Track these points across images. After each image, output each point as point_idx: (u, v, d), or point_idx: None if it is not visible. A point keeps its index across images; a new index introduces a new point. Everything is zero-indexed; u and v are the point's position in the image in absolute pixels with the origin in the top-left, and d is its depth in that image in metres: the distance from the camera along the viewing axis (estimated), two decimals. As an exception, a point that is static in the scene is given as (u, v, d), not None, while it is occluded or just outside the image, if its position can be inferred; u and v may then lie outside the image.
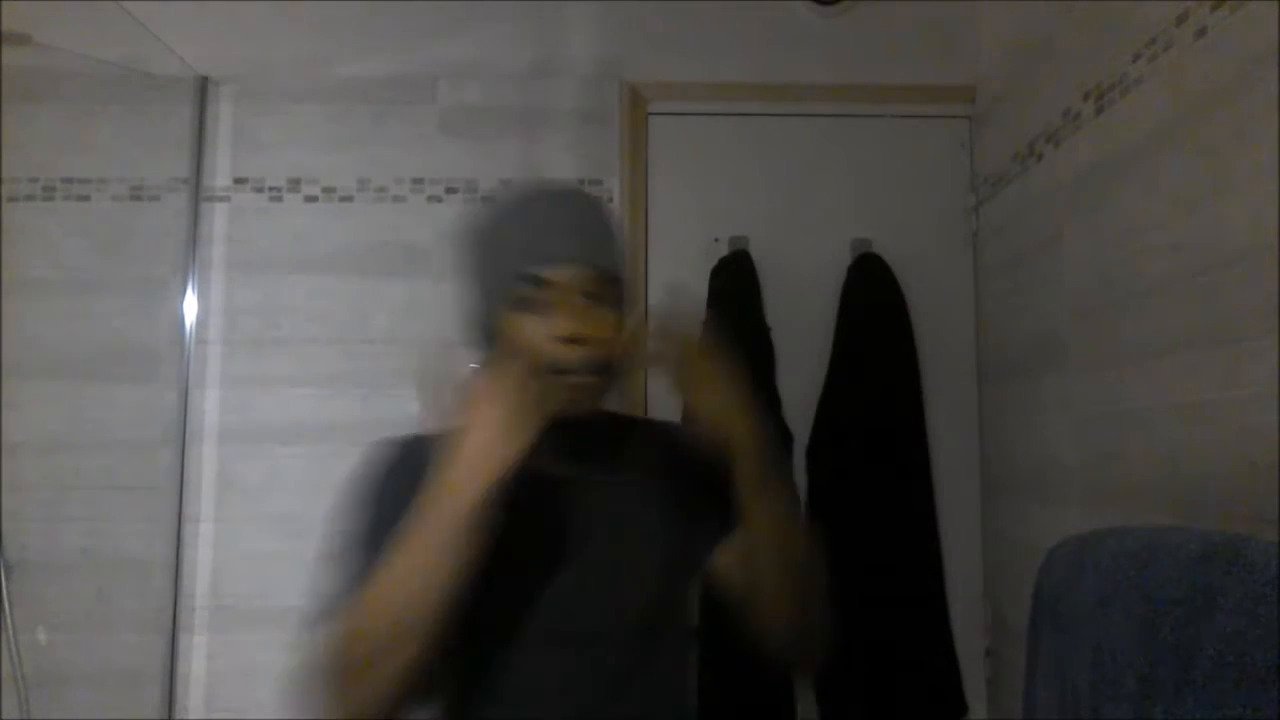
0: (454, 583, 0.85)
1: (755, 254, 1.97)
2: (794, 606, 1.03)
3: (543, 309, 0.95)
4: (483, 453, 0.85)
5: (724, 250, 1.99)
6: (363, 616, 0.86)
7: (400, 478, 0.98)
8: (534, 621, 0.99)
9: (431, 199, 2.02)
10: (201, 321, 1.99)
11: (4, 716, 1.76)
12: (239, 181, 2.03)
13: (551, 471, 1.02)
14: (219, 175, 2.03)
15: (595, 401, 0.98)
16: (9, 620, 1.79)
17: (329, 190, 2.02)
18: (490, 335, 1.01)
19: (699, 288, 1.97)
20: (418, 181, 2.02)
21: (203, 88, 2.02)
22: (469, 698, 1.00)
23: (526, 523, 0.97)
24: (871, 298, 1.96)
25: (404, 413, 1.95)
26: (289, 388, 1.97)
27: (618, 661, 1.01)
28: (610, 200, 2.01)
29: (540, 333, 0.95)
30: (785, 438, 1.93)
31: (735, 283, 1.96)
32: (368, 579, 0.88)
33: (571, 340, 0.94)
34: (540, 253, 0.96)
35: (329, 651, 0.88)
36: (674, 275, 2.01)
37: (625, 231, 1.02)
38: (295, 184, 2.02)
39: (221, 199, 2.03)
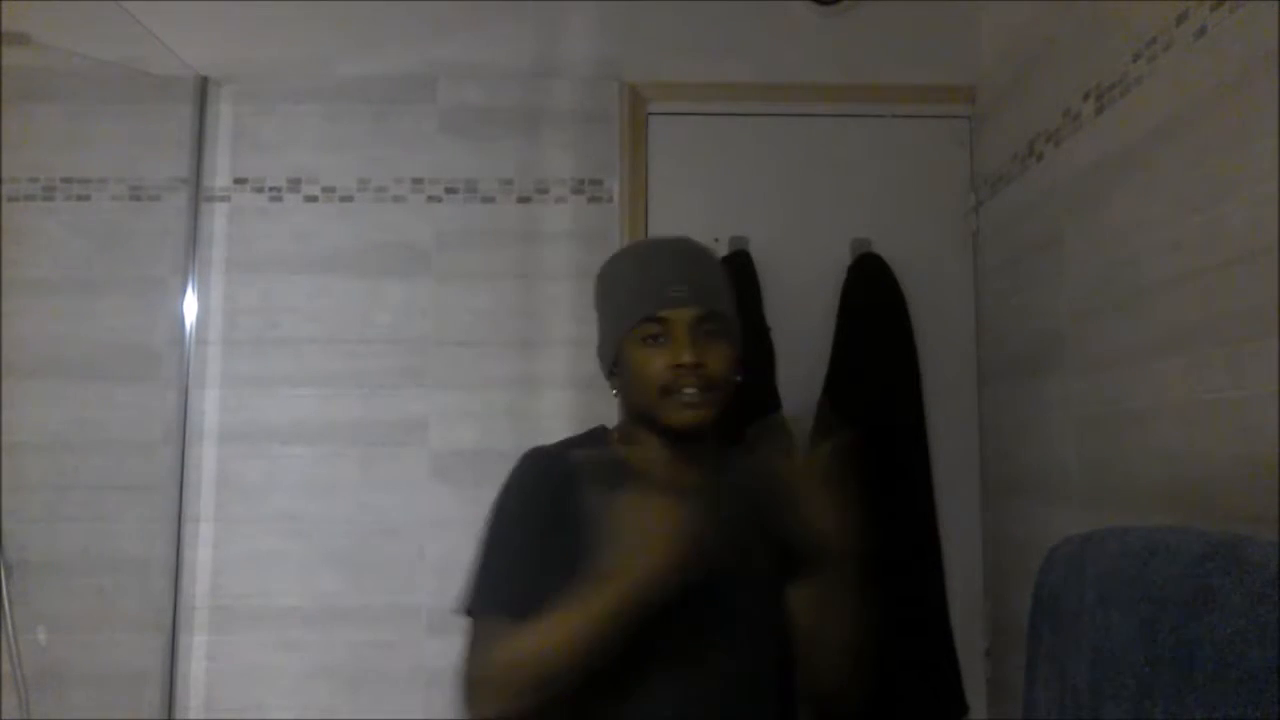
0: (608, 652, 1.00)
1: (755, 254, 1.97)
2: (830, 673, 1.21)
3: (662, 343, 1.12)
4: (663, 565, 1.00)
5: (724, 250, 1.99)
6: (522, 653, 1.01)
7: (552, 489, 1.14)
8: (660, 638, 1.08)
9: (431, 199, 2.02)
10: (201, 321, 1.99)
11: (4, 716, 1.76)
12: (239, 181, 2.03)
13: (679, 481, 1.16)
14: (219, 175, 2.03)
15: (709, 420, 1.12)
16: (9, 620, 1.79)
17: (329, 190, 2.02)
18: (618, 364, 1.17)
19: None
20: (418, 181, 2.02)
21: (203, 88, 2.03)
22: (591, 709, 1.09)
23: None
24: (871, 298, 1.96)
25: (404, 412, 1.96)
26: (289, 388, 1.97)
27: (737, 671, 1.13)
28: (610, 200, 2.02)
29: (660, 362, 1.11)
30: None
31: (735, 283, 1.95)
32: (528, 608, 1.02)
33: (685, 367, 1.09)
34: (659, 296, 1.13)
35: (484, 666, 1.03)
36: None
37: (725, 273, 1.23)
38: (295, 184, 2.02)
39: (221, 199, 2.03)
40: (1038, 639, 1.18)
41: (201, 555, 1.94)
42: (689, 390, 1.11)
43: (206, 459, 1.96)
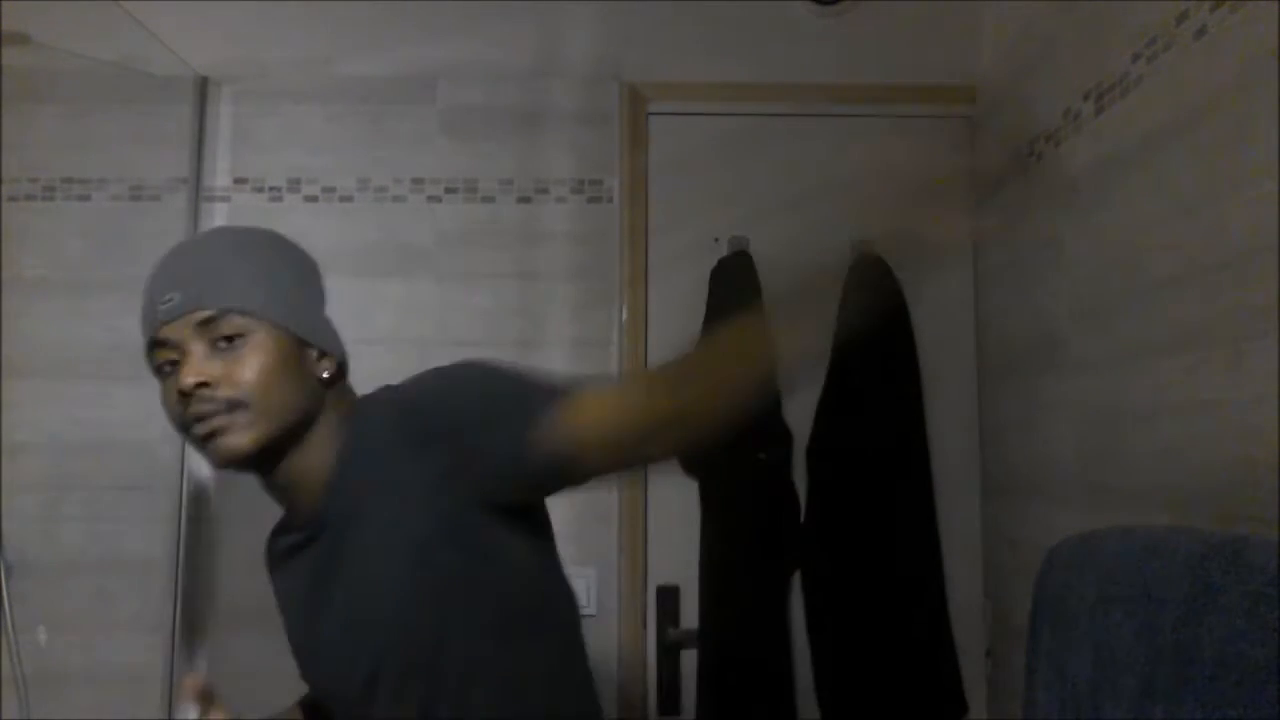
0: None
1: (755, 254, 1.97)
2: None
3: (170, 370, 0.95)
4: None
5: (724, 250, 1.99)
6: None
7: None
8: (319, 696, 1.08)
9: (431, 199, 2.02)
10: (201, 321, 1.99)
11: (4, 716, 1.76)
12: (239, 181, 2.03)
13: (276, 542, 1.08)
14: (219, 175, 2.03)
15: (249, 439, 0.93)
16: (9, 620, 1.79)
17: (329, 190, 2.02)
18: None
19: (699, 288, 1.97)
20: (418, 181, 2.02)
21: (203, 88, 2.02)
22: None
23: (279, 593, 1.09)
24: (871, 298, 1.96)
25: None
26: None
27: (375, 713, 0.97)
28: (610, 200, 2.02)
29: (170, 392, 0.94)
30: (785, 438, 1.93)
31: (735, 283, 1.96)
32: None
33: (193, 389, 0.92)
34: (149, 317, 0.95)
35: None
36: (674, 275, 2.01)
37: (258, 255, 1.02)
38: (295, 184, 2.02)
39: (221, 199, 2.03)
40: (1038, 639, 1.18)
41: (201, 555, 1.94)
42: (204, 416, 0.92)
43: (206, 459, 1.96)
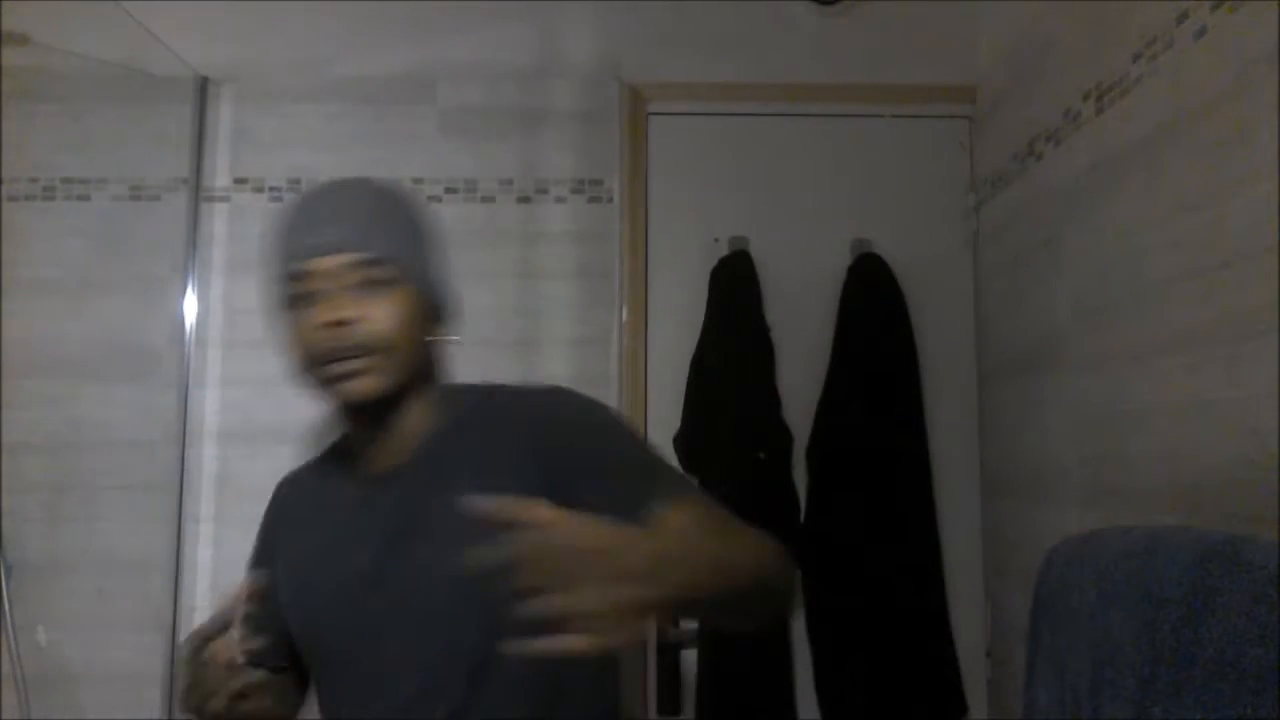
0: None
1: (755, 254, 1.97)
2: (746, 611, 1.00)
3: (308, 301, 0.94)
4: None
5: (724, 250, 1.99)
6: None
7: (271, 513, 1.12)
8: (325, 643, 1.01)
9: (431, 199, 2.02)
10: (201, 321, 1.99)
11: (4, 716, 1.76)
12: (239, 181, 2.03)
13: (348, 470, 1.05)
14: (219, 175, 2.03)
15: (380, 384, 0.95)
16: (9, 620, 1.79)
17: (329, 190, 2.02)
18: (282, 341, 1.00)
19: (699, 288, 1.97)
20: (418, 181, 2.02)
21: (203, 88, 2.02)
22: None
23: (318, 532, 1.03)
24: (871, 298, 1.96)
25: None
26: (289, 388, 1.96)
27: (412, 674, 0.95)
28: (610, 200, 2.02)
29: (309, 324, 0.94)
30: (785, 438, 1.93)
31: (735, 283, 1.96)
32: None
33: (334, 325, 0.92)
34: (299, 247, 0.96)
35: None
36: (674, 275, 2.01)
37: (410, 213, 1.04)
38: (295, 184, 2.02)
39: (221, 199, 2.03)
40: (1038, 639, 1.18)
41: (201, 555, 1.94)
42: (341, 355, 0.92)
43: (206, 459, 1.96)
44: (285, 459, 1.91)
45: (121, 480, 1.96)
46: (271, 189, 2.03)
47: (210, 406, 1.97)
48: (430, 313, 1.02)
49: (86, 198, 2.01)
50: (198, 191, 2.01)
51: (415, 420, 1.01)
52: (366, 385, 0.94)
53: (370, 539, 0.99)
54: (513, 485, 0.88)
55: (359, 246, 0.95)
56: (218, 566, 1.94)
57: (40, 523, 1.92)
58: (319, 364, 0.94)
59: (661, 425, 1.94)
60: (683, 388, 1.95)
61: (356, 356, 0.93)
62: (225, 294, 2.00)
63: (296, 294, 0.95)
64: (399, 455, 1.01)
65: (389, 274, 0.95)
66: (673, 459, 1.90)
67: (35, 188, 2.00)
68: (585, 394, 1.06)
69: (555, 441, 0.98)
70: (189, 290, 1.99)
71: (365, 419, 1.00)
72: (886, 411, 1.92)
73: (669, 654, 1.91)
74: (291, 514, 1.11)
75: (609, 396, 1.96)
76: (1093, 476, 1.48)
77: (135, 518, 1.95)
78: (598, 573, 0.72)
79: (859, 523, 1.88)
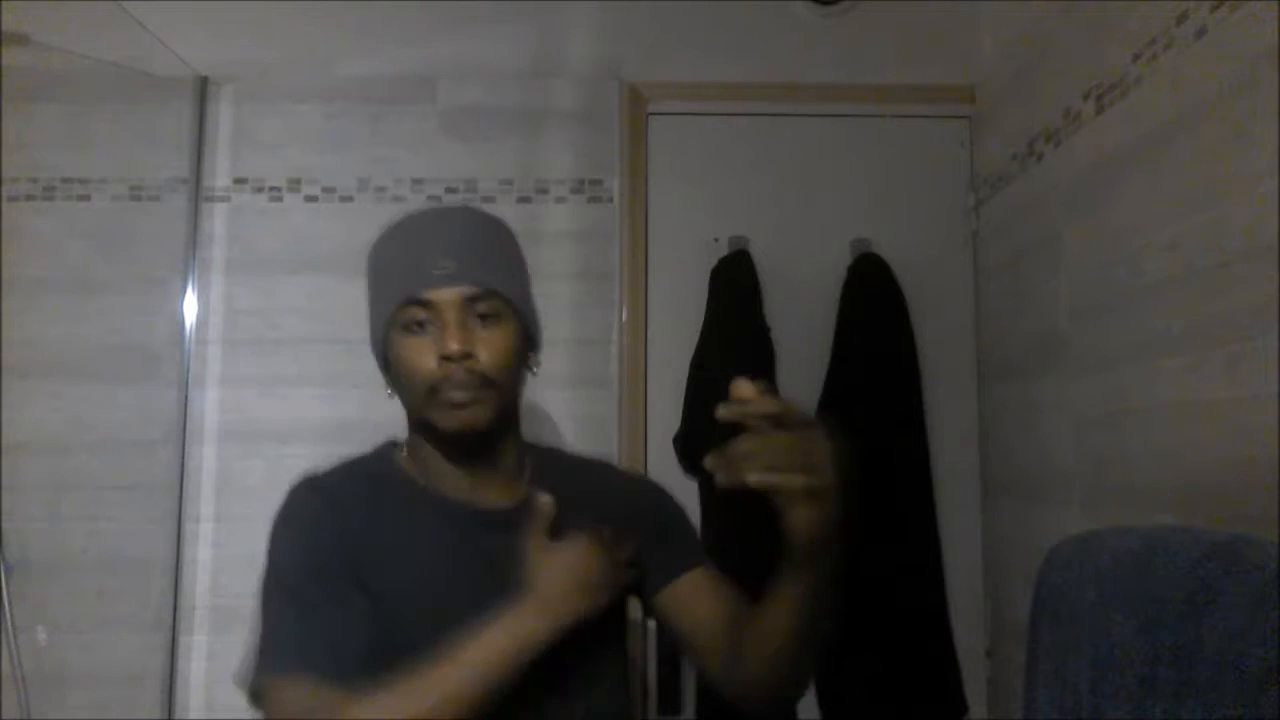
0: (494, 700, 0.90)
1: (755, 254, 1.97)
2: (787, 667, 1.05)
3: (428, 330, 0.97)
4: (559, 602, 0.94)
5: (724, 250, 1.99)
6: (411, 703, 0.88)
7: (335, 522, 1.01)
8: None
9: (431, 199, 2.02)
10: (201, 321, 1.99)
11: (4, 716, 1.76)
12: (239, 181, 2.03)
13: (475, 501, 1.06)
14: (219, 175, 2.03)
15: (483, 423, 0.99)
16: (9, 620, 1.79)
17: (329, 190, 2.02)
18: (388, 359, 1.02)
19: (699, 288, 1.97)
20: (418, 181, 2.02)
21: (203, 88, 2.02)
22: None
23: (415, 562, 1.01)
24: (871, 298, 1.96)
25: (403, 413, 1.95)
26: (289, 388, 1.97)
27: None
28: (610, 200, 2.02)
29: (425, 353, 0.97)
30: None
31: (735, 283, 1.96)
32: (344, 666, 0.90)
33: (452, 358, 0.95)
34: (420, 275, 0.98)
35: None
36: (674, 275, 2.01)
37: (514, 246, 1.09)
38: (295, 184, 2.02)
39: (221, 199, 2.03)
40: (1038, 639, 1.18)
41: (201, 555, 1.94)
42: (457, 387, 0.96)
43: (206, 459, 1.96)
44: (285, 459, 1.92)
45: (121, 480, 1.96)
46: (271, 189, 2.03)
47: (210, 406, 1.97)
48: (528, 344, 1.06)
49: (86, 198, 2.01)
50: (198, 191, 2.01)
51: (511, 457, 1.08)
52: (477, 416, 0.98)
53: (480, 577, 0.99)
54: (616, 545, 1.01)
55: (480, 280, 0.98)
56: (218, 566, 1.94)
57: (40, 523, 1.91)
58: (433, 392, 0.97)
59: (661, 425, 1.94)
60: (683, 388, 1.95)
61: (473, 388, 0.97)
62: (225, 294, 2.00)
63: (414, 320, 0.98)
64: (505, 497, 1.06)
65: (501, 308, 1.00)
66: (672, 459, 1.91)
67: (35, 188, 2.00)
68: (665, 488, 1.20)
69: (640, 522, 1.09)
70: (189, 290, 1.99)
71: (468, 449, 1.03)
72: (886, 411, 1.91)
73: (669, 654, 1.91)
74: (378, 526, 1.04)
75: (609, 397, 1.96)
76: (1093, 476, 1.48)
77: (135, 518, 1.95)
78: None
79: (859, 523, 1.87)
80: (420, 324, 0.98)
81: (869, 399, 1.90)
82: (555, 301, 2.00)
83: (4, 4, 1.77)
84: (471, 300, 0.98)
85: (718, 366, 1.93)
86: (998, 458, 1.91)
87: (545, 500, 0.99)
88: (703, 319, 1.96)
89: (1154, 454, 1.29)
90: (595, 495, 1.09)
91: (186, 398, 1.96)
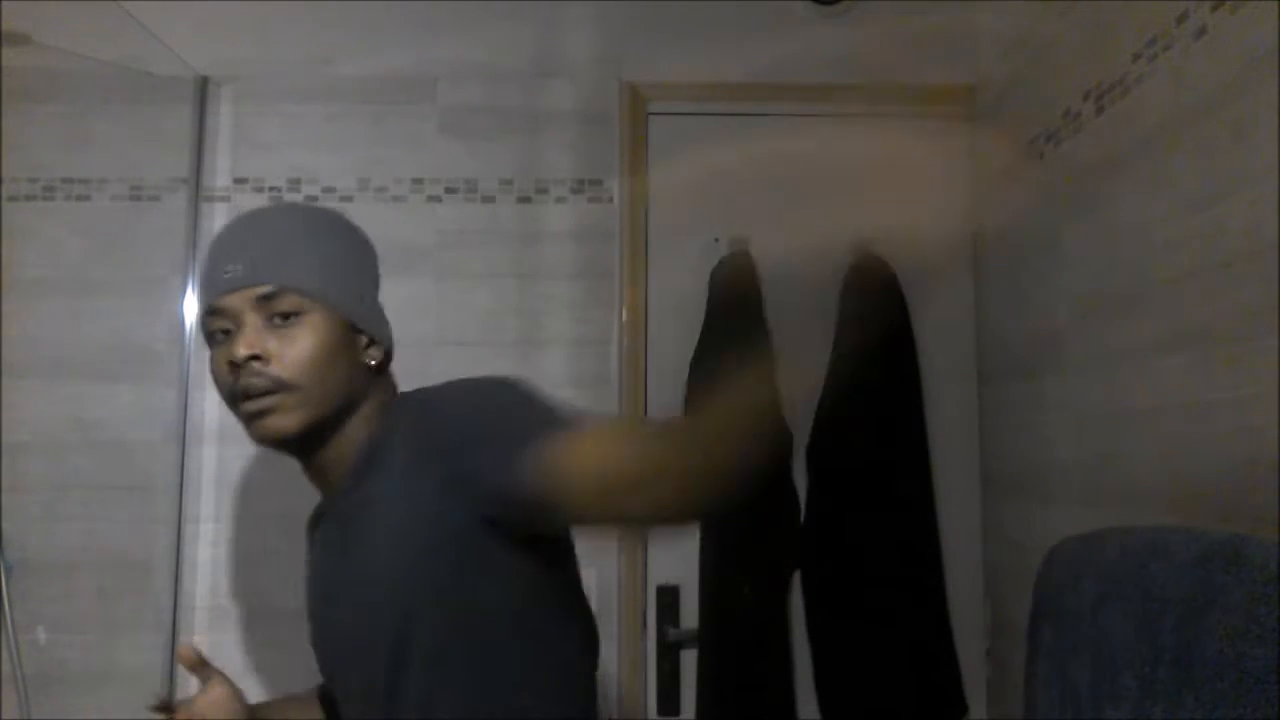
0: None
1: (755, 254, 1.97)
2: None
3: (221, 339, 0.95)
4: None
5: (724, 250, 1.99)
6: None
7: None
8: (322, 670, 1.06)
9: (431, 199, 2.02)
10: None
11: (4, 716, 1.76)
12: (239, 181, 2.03)
13: (314, 520, 1.08)
14: (219, 175, 2.03)
15: (292, 422, 0.94)
16: (9, 620, 1.79)
17: (329, 190, 2.02)
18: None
19: (699, 288, 1.97)
20: (418, 181, 2.02)
21: (203, 88, 2.02)
22: None
23: (307, 557, 1.08)
24: (871, 298, 1.96)
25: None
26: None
27: (387, 702, 0.94)
28: (610, 200, 2.01)
29: (220, 361, 0.94)
30: (785, 438, 1.93)
31: (735, 283, 1.96)
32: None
33: (242, 361, 0.92)
34: (214, 282, 0.95)
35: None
36: (674, 275, 2.01)
37: (322, 236, 1.02)
38: (295, 184, 2.02)
39: (221, 199, 2.02)
40: (1038, 639, 1.18)
41: (201, 555, 1.94)
42: (252, 393, 0.92)
43: (206, 459, 1.96)
44: (285, 459, 1.91)
45: (121, 480, 1.96)
46: (271, 189, 2.03)
47: (210, 406, 1.97)
48: (351, 336, 0.99)
49: (86, 198, 2.01)
50: (198, 191, 2.01)
51: (349, 446, 0.99)
52: (278, 424, 0.93)
53: (318, 574, 1.05)
54: (417, 506, 0.91)
55: (271, 278, 0.94)
56: (218, 566, 1.94)
57: (40, 523, 1.91)
58: (233, 402, 0.95)
59: (661, 425, 1.94)
60: (683, 388, 1.95)
61: (266, 394, 0.92)
62: (225, 294, 2.00)
63: (211, 330, 0.96)
64: (335, 486, 1.01)
65: (296, 305, 0.94)
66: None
67: (35, 188, 2.00)
68: (492, 380, 0.98)
69: (444, 442, 0.92)
70: (189, 290, 1.98)
71: (292, 454, 1.00)
72: (886, 411, 1.91)
73: (669, 654, 1.91)
74: (309, 546, 1.15)
75: (609, 396, 1.96)
76: (1093, 476, 1.48)
77: (135, 518, 1.95)
78: None
79: (859, 522, 1.88)
80: (219, 333, 0.95)
81: (869, 399, 1.90)
82: (555, 301, 2.00)
83: (4, 4, 1.77)
84: (264, 299, 0.93)
85: (718, 366, 1.93)
86: (998, 457, 1.91)
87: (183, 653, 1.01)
88: (703, 319, 1.96)
89: (1154, 454, 1.29)
90: (410, 458, 0.94)
91: (186, 398, 1.96)
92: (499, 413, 0.93)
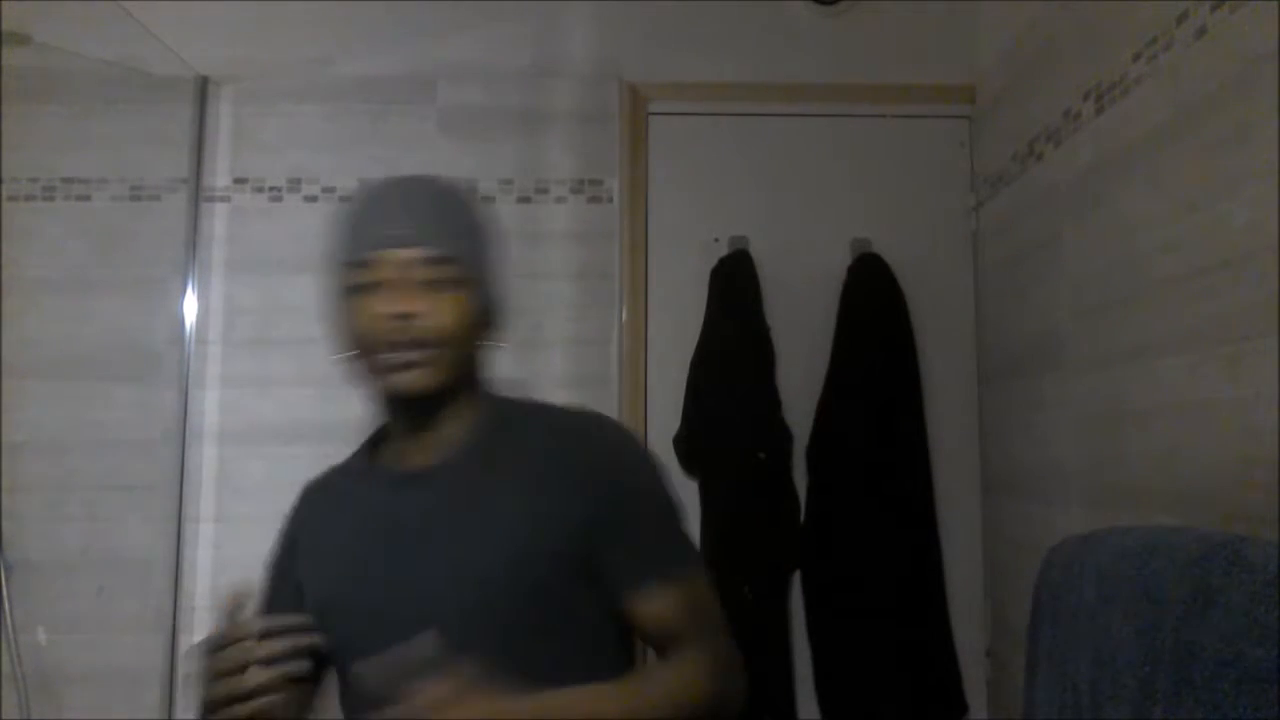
0: None
1: (755, 254, 1.97)
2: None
3: (373, 291, 0.96)
4: None
5: (724, 250, 1.99)
6: None
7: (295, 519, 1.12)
8: (351, 640, 1.00)
9: (431, 199, 2.02)
10: (201, 321, 1.99)
11: (4, 716, 1.76)
12: (239, 181, 2.03)
13: (389, 465, 1.06)
14: (219, 175, 2.03)
15: (433, 379, 0.97)
16: (9, 620, 1.79)
17: (329, 190, 2.02)
18: (336, 326, 1.01)
19: (699, 288, 1.97)
20: (418, 181, 2.02)
21: (203, 88, 2.02)
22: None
23: (347, 528, 1.04)
24: (871, 298, 1.96)
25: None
26: (289, 388, 1.97)
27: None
28: (610, 200, 2.02)
29: (370, 313, 0.95)
30: (785, 437, 1.93)
31: (735, 283, 1.96)
32: None
33: (394, 317, 0.94)
34: (370, 237, 0.97)
35: None
36: (674, 275, 2.01)
37: (477, 216, 1.05)
38: (295, 184, 2.02)
39: (221, 199, 2.03)
40: (1038, 639, 1.18)
41: (201, 555, 1.94)
42: (400, 346, 0.94)
43: (206, 459, 1.96)
44: (285, 459, 1.92)
45: (121, 480, 1.96)
46: (271, 189, 2.03)
47: (210, 406, 1.97)
48: (486, 317, 1.03)
49: (86, 198, 2.01)
50: (198, 191, 2.01)
51: (458, 423, 1.03)
52: (420, 378, 0.96)
53: (398, 536, 1.00)
54: (541, 508, 0.97)
55: (430, 243, 0.96)
56: (218, 566, 1.94)
57: (40, 523, 1.91)
58: (376, 353, 0.95)
59: (661, 425, 1.94)
60: (683, 388, 1.95)
61: (415, 349, 0.94)
62: (225, 294, 2.00)
63: (361, 282, 0.96)
64: (436, 456, 1.02)
65: (455, 274, 0.97)
66: (673, 461, 1.91)
67: (35, 188, 2.00)
68: (625, 431, 1.10)
69: (591, 490, 0.99)
70: (189, 290, 1.99)
71: (411, 414, 1.01)
72: (886, 411, 1.91)
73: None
74: (319, 514, 1.12)
75: (609, 396, 1.96)
76: (1093, 476, 1.48)
77: (135, 518, 1.95)
78: None
79: (859, 522, 1.88)
80: (368, 286, 0.96)
81: (869, 399, 1.90)
82: (555, 301, 2.00)
83: (4, 4, 1.77)
84: (421, 263, 0.96)
85: (718, 367, 1.93)
86: (998, 457, 1.91)
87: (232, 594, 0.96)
88: (703, 319, 1.96)
89: (1154, 454, 1.29)
90: (539, 460, 1.01)
91: (186, 398, 1.96)
92: (667, 508, 1.05)
